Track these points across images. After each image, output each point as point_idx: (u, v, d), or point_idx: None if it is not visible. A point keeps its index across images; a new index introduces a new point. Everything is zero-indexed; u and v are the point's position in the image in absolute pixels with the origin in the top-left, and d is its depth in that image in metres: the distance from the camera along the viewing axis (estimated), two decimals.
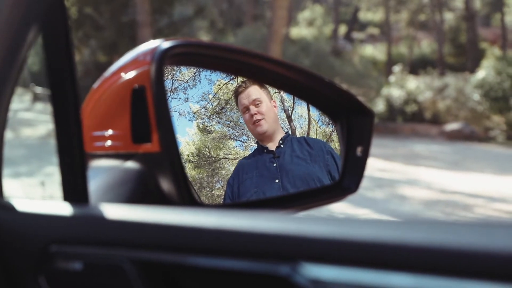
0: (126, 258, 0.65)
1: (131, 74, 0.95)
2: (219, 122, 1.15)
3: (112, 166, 0.95)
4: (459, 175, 10.60)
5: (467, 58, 28.29)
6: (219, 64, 1.10)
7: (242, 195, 1.09)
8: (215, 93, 1.14)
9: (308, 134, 1.23)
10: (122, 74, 0.97)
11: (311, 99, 1.24)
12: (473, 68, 23.02)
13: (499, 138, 17.46)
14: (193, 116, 1.11)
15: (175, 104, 1.07)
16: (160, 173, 0.91)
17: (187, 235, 0.63)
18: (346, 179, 1.20)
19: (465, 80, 19.98)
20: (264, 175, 1.13)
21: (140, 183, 0.92)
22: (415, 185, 9.23)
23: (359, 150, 1.21)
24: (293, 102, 1.23)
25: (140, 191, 0.92)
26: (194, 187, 1.06)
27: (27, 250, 0.71)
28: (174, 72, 1.08)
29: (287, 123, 1.22)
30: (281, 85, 1.20)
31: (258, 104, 1.16)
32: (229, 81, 1.15)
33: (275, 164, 1.14)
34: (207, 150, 1.12)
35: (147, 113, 0.90)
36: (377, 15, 36.95)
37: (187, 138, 1.09)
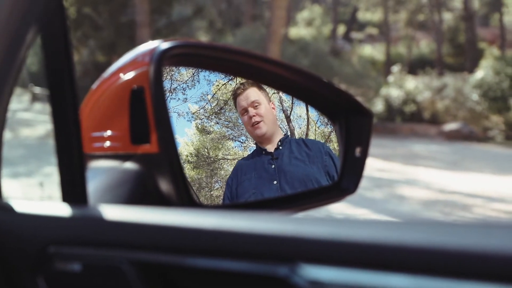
0: (125, 259, 0.65)
1: (130, 75, 0.95)
2: (218, 123, 1.15)
3: (111, 167, 0.95)
4: (458, 175, 10.61)
5: (465, 58, 28.31)
6: (217, 65, 1.10)
7: (240, 196, 1.09)
8: (214, 94, 1.14)
9: (307, 134, 1.23)
10: (121, 75, 0.97)
11: (310, 100, 1.24)
12: (471, 68, 23.05)
13: (498, 138, 17.48)
14: (192, 117, 1.11)
15: (174, 105, 1.07)
16: (159, 174, 0.91)
17: (186, 236, 0.63)
18: (345, 180, 1.20)
19: (464, 80, 20.00)
20: (262, 176, 1.13)
21: (139, 184, 0.92)
22: (414, 185, 9.23)
23: (357, 151, 1.21)
24: (292, 103, 1.23)
25: (139, 192, 0.92)
26: (193, 187, 1.05)
27: (25, 251, 0.71)
28: (173, 73, 1.08)
29: (286, 123, 1.22)
30: (279, 86, 1.20)
31: (256, 106, 1.16)
32: (228, 81, 1.15)
33: (273, 166, 1.15)
34: (206, 150, 1.12)
35: (145, 114, 0.90)
36: (376, 15, 36.96)
37: (186, 138, 1.09)
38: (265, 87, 1.19)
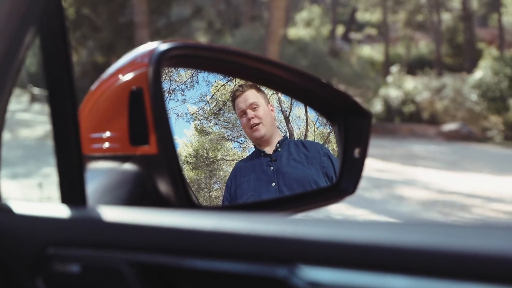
0: (124, 260, 0.65)
1: (128, 76, 0.95)
2: (216, 124, 1.15)
3: (109, 168, 0.95)
4: (457, 175, 10.62)
5: (464, 59, 28.32)
6: (216, 66, 1.10)
7: (239, 198, 1.09)
8: (213, 95, 1.14)
9: (305, 135, 1.23)
10: (120, 76, 0.97)
11: (309, 101, 1.24)
12: (470, 69, 23.06)
13: (497, 138, 17.49)
14: (191, 118, 1.11)
15: (172, 106, 1.07)
16: (158, 175, 0.91)
17: (184, 237, 0.63)
18: (344, 181, 1.20)
19: (463, 81, 20.02)
20: (261, 178, 1.13)
21: (137, 185, 0.92)
22: (413, 186, 9.24)
23: (356, 152, 1.21)
24: (291, 104, 1.23)
25: (137, 193, 0.92)
26: (192, 188, 1.05)
27: (24, 253, 0.71)
28: (171, 74, 1.08)
29: (285, 124, 1.22)
30: (278, 87, 1.20)
31: (255, 108, 1.16)
32: (227, 82, 1.15)
33: (272, 168, 1.15)
34: (205, 151, 1.12)
35: (144, 115, 0.90)
36: (374, 16, 36.97)
37: (185, 139, 1.09)
38: (264, 88, 1.19)
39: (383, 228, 0.54)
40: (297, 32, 31.29)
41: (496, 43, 29.09)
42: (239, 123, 1.16)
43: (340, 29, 36.69)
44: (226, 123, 1.16)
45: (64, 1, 0.74)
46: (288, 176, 1.14)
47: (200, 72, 1.11)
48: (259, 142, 1.17)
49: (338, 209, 5.99)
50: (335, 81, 18.83)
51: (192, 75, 1.11)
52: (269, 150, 1.17)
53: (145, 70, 0.91)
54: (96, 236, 0.69)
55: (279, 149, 1.17)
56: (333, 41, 29.89)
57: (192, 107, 1.11)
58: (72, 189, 0.73)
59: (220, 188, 1.11)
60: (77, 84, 0.74)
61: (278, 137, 1.19)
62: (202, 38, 25.31)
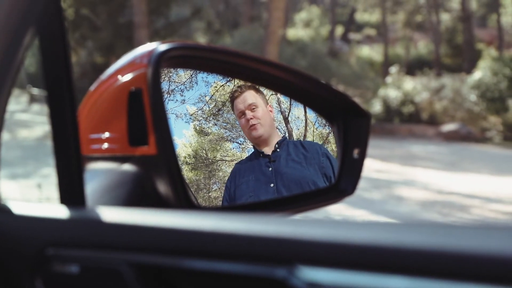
0: (123, 261, 0.65)
1: (128, 77, 0.95)
2: (216, 124, 1.15)
3: (109, 168, 0.95)
4: (456, 176, 10.62)
5: (463, 59, 28.33)
6: (215, 67, 1.10)
7: (238, 199, 1.09)
8: (212, 95, 1.14)
9: (305, 136, 1.23)
10: (119, 76, 0.97)
11: (308, 101, 1.24)
12: (469, 69, 23.08)
13: (496, 139, 17.49)
14: (190, 118, 1.11)
15: (172, 106, 1.07)
16: (157, 176, 0.91)
17: (184, 238, 0.63)
18: (343, 181, 1.20)
19: (462, 81, 20.03)
20: (260, 179, 1.13)
21: (137, 185, 0.92)
22: (412, 186, 9.24)
23: (355, 152, 1.21)
24: (290, 104, 1.23)
25: (137, 193, 0.92)
26: (191, 189, 1.05)
27: (23, 253, 0.71)
28: (170, 75, 1.08)
29: (284, 125, 1.22)
30: (277, 87, 1.20)
31: (254, 108, 1.16)
32: (226, 83, 1.15)
33: (270, 169, 1.15)
34: (204, 152, 1.12)
35: (143, 115, 0.90)
36: (373, 16, 36.99)
37: (184, 140, 1.09)
38: (262, 89, 1.19)
39: (382, 228, 0.54)
40: (296, 32, 31.31)
41: (495, 44, 29.13)
42: (238, 123, 1.16)
43: (339, 30, 36.71)
44: (225, 124, 1.16)
45: (63, 2, 0.74)
46: (286, 177, 1.14)
47: (199, 72, 1.11)
48: (257, 142, 1.17)
49: (337, 210, 5.99)
50: (334, 82, 18.85)
51: (191, 75, 1.11)
52: (268, 150, 1.17)
53: (144, 71, 0.91)
54: (96, 236, 0.69)
55: (278, 150, 1.17)
56: (332, 42, 29.92)
57: (191, 108, 1.11)
58: (71, 189, 0.73)
59: (219, 188, 1.11)
60: (76, 85, 0.74)
61: (277, 138, 1.19)
62: (201, 39, 25.31)
